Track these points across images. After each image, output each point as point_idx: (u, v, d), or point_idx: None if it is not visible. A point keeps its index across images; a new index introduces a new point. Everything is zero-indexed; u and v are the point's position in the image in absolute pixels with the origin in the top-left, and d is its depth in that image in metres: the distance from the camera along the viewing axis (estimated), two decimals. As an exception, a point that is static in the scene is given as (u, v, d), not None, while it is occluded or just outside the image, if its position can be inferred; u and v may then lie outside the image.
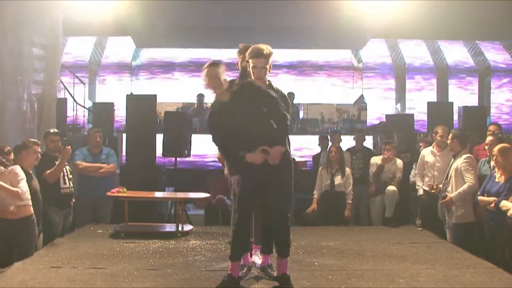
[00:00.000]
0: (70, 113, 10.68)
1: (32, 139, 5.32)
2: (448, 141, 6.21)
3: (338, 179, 7.08)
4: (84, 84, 11.94)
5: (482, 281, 4.30)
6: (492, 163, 5.57)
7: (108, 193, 6.61)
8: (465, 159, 5.90)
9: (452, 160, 6.10)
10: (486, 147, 6.04)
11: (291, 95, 11.09)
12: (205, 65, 4.16)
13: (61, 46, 10.06)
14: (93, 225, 6.57)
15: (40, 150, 5.34)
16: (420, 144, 7.40)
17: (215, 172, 8.43)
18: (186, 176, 9.02)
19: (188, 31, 11.56)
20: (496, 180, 5.30)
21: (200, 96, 10.81)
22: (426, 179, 6.59)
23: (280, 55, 12.66)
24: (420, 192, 6.68)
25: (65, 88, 10.67)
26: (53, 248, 5.19)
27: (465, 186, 5.77)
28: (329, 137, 8.71)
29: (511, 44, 12.77)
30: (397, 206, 7.01)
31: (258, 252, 4.68)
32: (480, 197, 5.45)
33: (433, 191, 6.25)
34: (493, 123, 7.82)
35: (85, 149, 6.86)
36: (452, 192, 5.89)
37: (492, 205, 5.17)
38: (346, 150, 8.00)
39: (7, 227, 4.84)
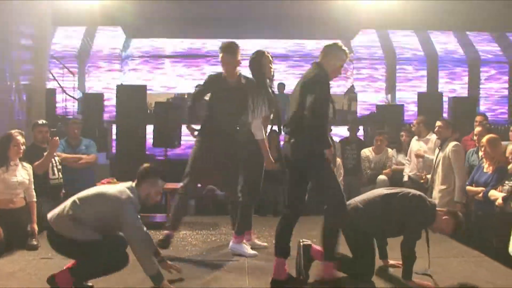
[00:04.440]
0: (59, 103, 10.63)
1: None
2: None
3: (329, 169, 7.09)
4: (73, 74, 11.86)
5: (470, 270, 4.35)
6: (480, 153, 5.62)
7: (98, 184, 6.55)
8: (453, 147, 5.95)
9: (438, 151, 6.14)
10: (475, 138, 6.10)
11: (281, 85, 11.09)
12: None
13: (50, 36, 9.97)
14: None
15: (24, 140, 5.30)
16: (402, 133, 7.46)
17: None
18: (176, 167, 8.98)
19: (179, 21, 11.50)
20: (484, 170, 5.36)
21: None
22: (411, 165, 6.82)
23: (270, 46, 12.63)
24: (405, 178, 6.81)
25: (55, 78, 10.60)
26: (43, 240, 5.16)
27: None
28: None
29: (501, 35, 12.82)
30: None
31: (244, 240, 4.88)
32: (468, 187, 5.51)
33: (421, 181, 6.33)
34: (480, 114, 7.95)
35: (64, 140, 6.78)
36: (438, 181, 5.96)
37: (481, 194, 5.22)
38: (340, 141, 8.04)
39: (11, 215, 4.94)
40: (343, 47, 4.01)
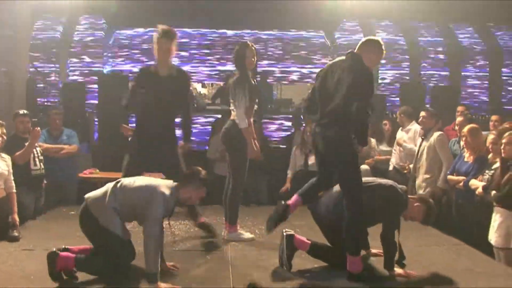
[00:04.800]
0: (41, 93, 10.49)
1: None
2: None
3: (312, 159, 7.10)
4: (55, 64, 11.70)
5: (450, 258, 4.41)
6: (462, 143, 5.68)
7: (80, 175, 6.51)
8: (438, 137, 6.00)
9: (421, 140, 6.20)
10: (456, 127, 6.17)
11: (264, 75, 11.09)
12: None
13: (31, 25, 9.83)
14: (65, 207, 6.48)
15: (4, 131, 5.24)
16: (385, 122, 7.53)
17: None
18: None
19: (162, 11, 11.38)
20: (465, 159, 5.42)
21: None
22: (396, 155, 6.86)
23: (254, 35, 12.58)
24: (390, 168, 6.87)
25: (35, 68, 10.45)
26: (25, 231, 5.13)
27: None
28: (302, 117, 8.76)
29: (482, 27, 12.92)
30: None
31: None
32: (449, 176, 5.57)
33: (405, 171, 6.41)
34: (461, 104, 8.05)
35: (45, 130, 6.71)
36: (422, 170, 6.02)
37: (461, 184, 5.29)
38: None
39: None
40: (383, 46, 4.02)
